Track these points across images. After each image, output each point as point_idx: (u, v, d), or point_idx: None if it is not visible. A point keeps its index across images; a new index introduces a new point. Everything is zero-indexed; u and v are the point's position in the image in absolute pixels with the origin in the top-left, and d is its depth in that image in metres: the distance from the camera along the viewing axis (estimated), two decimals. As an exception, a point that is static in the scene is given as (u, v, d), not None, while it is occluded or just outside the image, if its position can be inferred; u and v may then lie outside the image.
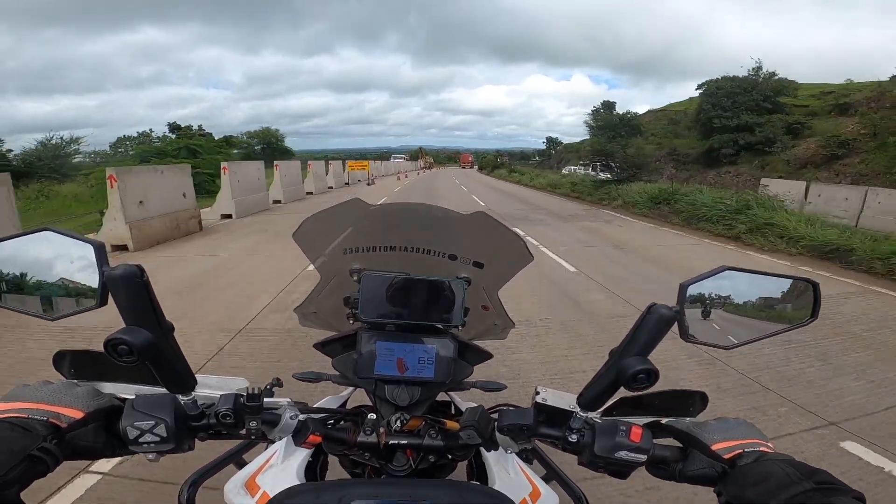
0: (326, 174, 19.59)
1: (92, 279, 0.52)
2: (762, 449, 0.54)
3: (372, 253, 0.81)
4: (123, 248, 7.02)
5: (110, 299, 0.52)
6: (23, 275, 0.54)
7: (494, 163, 57.65)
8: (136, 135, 42.76)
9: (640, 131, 40.57)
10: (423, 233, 0.81)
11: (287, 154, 47.41)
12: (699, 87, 29.65)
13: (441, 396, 0.86)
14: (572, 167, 31.28)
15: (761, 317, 0.61)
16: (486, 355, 0.81)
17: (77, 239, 0.53)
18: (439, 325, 0.75)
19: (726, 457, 0.54)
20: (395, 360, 0.73)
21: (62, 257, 0.53)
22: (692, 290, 0.57)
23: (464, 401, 0.91)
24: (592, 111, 49.68)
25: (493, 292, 0.87)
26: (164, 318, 0.54)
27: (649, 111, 45.62)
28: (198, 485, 0.72)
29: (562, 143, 70.20)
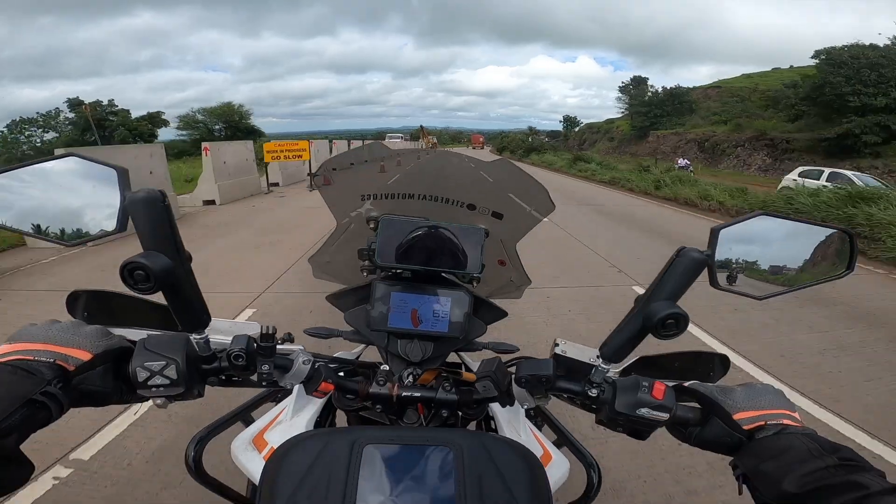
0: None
1: (113, 203, 0.51)
2: (785, 421, 0.52)
3: (390, 199, 0.80)
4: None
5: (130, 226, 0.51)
6: (45, 198, 0.54)
7: (528, 144, 46.54)
8: (37, 116, 37.91)
9: (692, 109, 36.14)
10: (443, 180, 0.80)
11: (254, 136, 36.72)
12: (816, 54, 22.41)
13: (452, 358, 0.85)
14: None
15: (794, 265, 0.58)
16: (501, 313, 0.79)
17: (102, 164, 0.52)
18: (455, 276, 0.74)
19: (747, 427, 0.52)
20: (409, 312, 0.71)
21: (85, 183, 0.53)
22: (725, 234, 0.55)
23: (475, 362, 0.90)
24: (621, 87, 45.31)
25: (511, 245, 0.85)
26: (183, 247, 0.52)
27: (694, 88, 41.57)
28: (205, 442, 0.71)
29: (580, 122, 64.78)
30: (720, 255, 0.55)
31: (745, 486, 0.51)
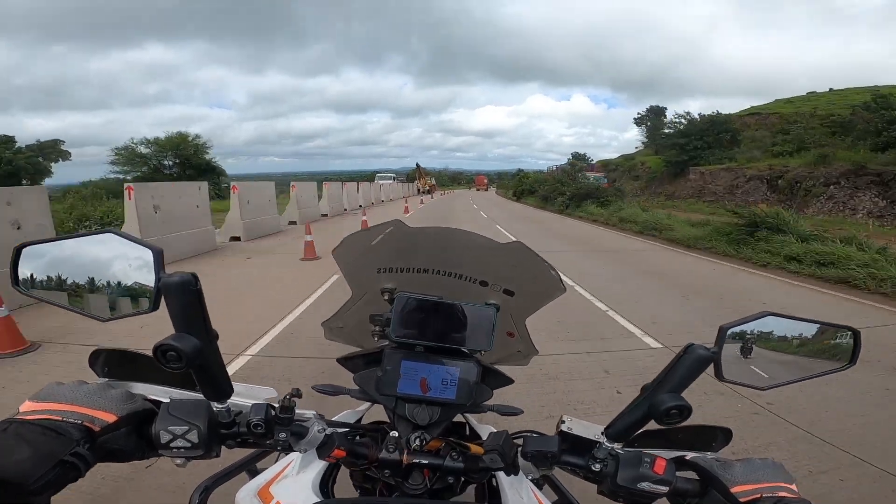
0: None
1: (147, 283, 0.53)
2: (782, 494, 0.54)
3: (405, 273, 0.82)
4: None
5: (162, 305, 0.53)
6: (80, 272, 0.56)
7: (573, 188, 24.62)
8: None
9: (737, 140, 29.18)
10: (456, 257, 0.82)
11: (210, 174, 31.09)
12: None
13: (457, 417, 0.87)
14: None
15: (799, 359, 0.61)
16: (507, 380, 0.82)
17: (137, 243, 0.54)
18: (466, 350, 0.76)
19: (743, 500, 0.54)
20: (419, 380, 0.73)
21: (121, 260, 0.55)
22: (732, 332, 0.57)
23: (479, 423, 0.92)
24: (637, 119, 41.25)
25: (521, 320, 0.88)
26: (211, 327, 0.55)
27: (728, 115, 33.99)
28: (209, 491, 0.73)
29: (590, 160, 54.68)
30: (727, 350, 0.57)
31: None
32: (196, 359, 0.52)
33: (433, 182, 59.14)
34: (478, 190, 70.95)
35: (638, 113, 43.09)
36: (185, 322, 0.52)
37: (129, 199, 7.30)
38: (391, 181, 38.74)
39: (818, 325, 0.60)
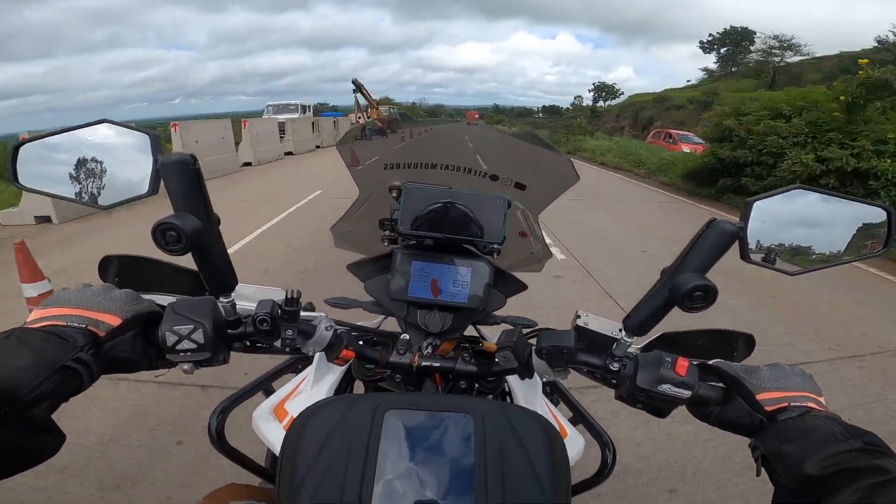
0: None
1: (145, 167, 0.52)
2: (810, 404, 0.51)
3: (413, 169, 0.80)
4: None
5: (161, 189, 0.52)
6: (78, 164, 0.54)
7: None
8: None
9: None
10: (465, 151, 0.80)
11: None
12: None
13: (469, 331, 0.85)
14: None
15: (829, 241, 0.57)
16: (521, 286, 0.79)
17: (133, 129, 0.53)
18: (476, 246, 0.73)
19: (769, 409, 0.51)
20: (430, 282, 0.71)
21: (118, 147, 0.54)
22: (758, 206, 0.53)
23: (492, 336, 0.90)
24: (706, 44, 34.81)
25: (534, 217, 0.85)
26: (212, 209, 0.53)
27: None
28: (227, 412, 0.72)
29: (620, 92, 43.36)
30: (753, 227, 0.54)
31: (763, 469, 0.50)
32: (197, 240, 0.50)
33: (393, 115, 22.88)
34: (468, 124, 74.70)
35: (710, 35, 36.33)
36: (184, 202, 0.51)
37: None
38: (296, 114, 21.42)
39: (851, 202, 0.56)
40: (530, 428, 0.50)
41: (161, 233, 0.48)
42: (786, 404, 0.51)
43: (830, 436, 0.45)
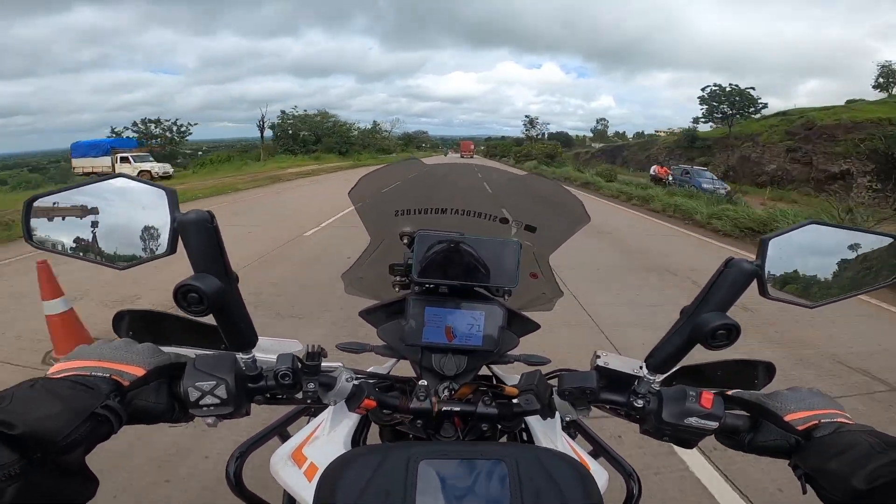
0: None
1: (163, 226, 0.52)
2: (840, 420, 0.51)
3: (423, 215, 0.80)
4: None
5: (180, 247, 0.51)
6: (94, 222, 0.54)
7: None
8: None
9: None
10: (475, 195, 0.80)
11: None
12: None
13: (483, 371, 0.85)
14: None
15: (845, 273, 0.58)
16: (534, 326, 0.79)
17: (149, 185, 0.53)
18: (491, 289, 0.73)
19: (801, 427, 0.51)
20: (444, 327, 0.71)
21: (134, 204, 0.53)
22: (774, 243, 0.54)
23: (506, 375, 0.90)
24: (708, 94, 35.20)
25: (544, 258, 0.85)
26: (231, 268, 0.53)
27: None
28: (245, 457, 0.72)
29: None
30: (770, 264, 0.54)
31: (808, 486, 0.50)
32: (218, 300, 0.50)
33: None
34: (462, 156, 62.39)
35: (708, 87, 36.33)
36: (204, 262, 0.50)
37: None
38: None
39: (863, 233, 0.57)
40: (564, 472, 0.50)
41: (182, 295, 0.48)
42: (816, 422, 0.51)
43: (871, 448, 0.45)
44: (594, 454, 0.81)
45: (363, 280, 0.91)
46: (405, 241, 0.74)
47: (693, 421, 0.54)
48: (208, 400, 0.51)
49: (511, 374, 0.88)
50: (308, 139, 44.04)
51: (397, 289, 0.80)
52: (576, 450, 0.78)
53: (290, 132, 44.55)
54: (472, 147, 74.11)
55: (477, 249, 0.71)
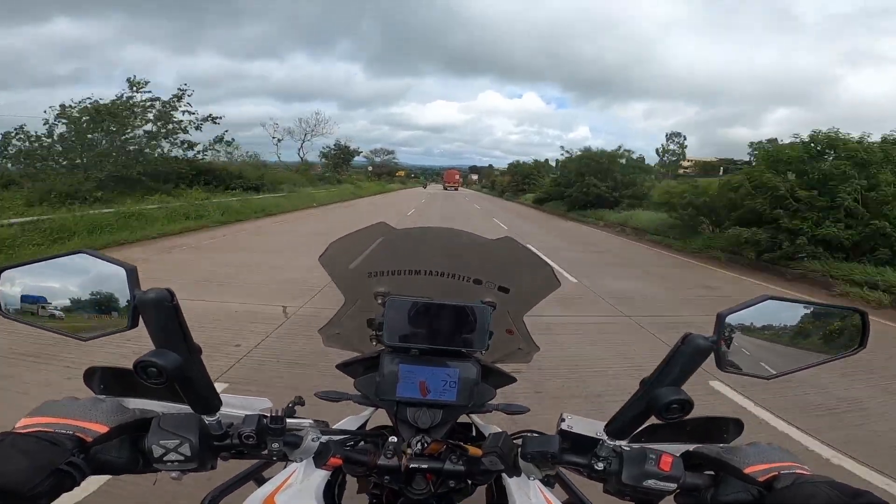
0: None
1: (124, 301, 0.53)
2: (798, 472, 0.52)
3: (396, 276, 0.81)
4: None
5: (140, 322, 0.53)
6: (58, 294, 0.55)
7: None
8: None
9: None
10: (448, 257, 0.81)
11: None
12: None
13: (462, 418, 0.85)
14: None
15: (804, 346, 0.58)
16: (510, 379, 0.80)
17: (110, 262, 0.54)
18: (463, 350, 0.74)
19: (761, 479, 0.52)
20: (418, 383, 0.72)
21: (96, 280, 0.55)
22: (731, 319, 0.54)
23: (485, 423, 0.90)
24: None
25: (519, 317, 0.86)
26: (192, 341, 0.54)
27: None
28: (216, 501, 0.73)
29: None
30: (726, 339, 0.55)
31: None
32: (177, 374, 0.52)
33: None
34: (446, 188, 55.59)
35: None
36: (162, 338, 0.52)
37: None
38: None
39: (822, 307, 0.57)
40: None
41: (142, 369, 0.50)
42: (776, 474, 0.51)
43: (829, 500, 0.45)
44: (569, 503, 0.81)
45: (340, 335, 0.92)
46: (379, 300, 0.75)
47: (652, 483, 0.55)
48: (172, 457, 0.52)
49: (489, 422, 0.89)
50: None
51: (374, 342, 0.81)
52: (549, 501, 0.78)
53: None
54: (458, 178, 65.52)
55: (447, 314, 0.71)
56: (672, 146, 47.15)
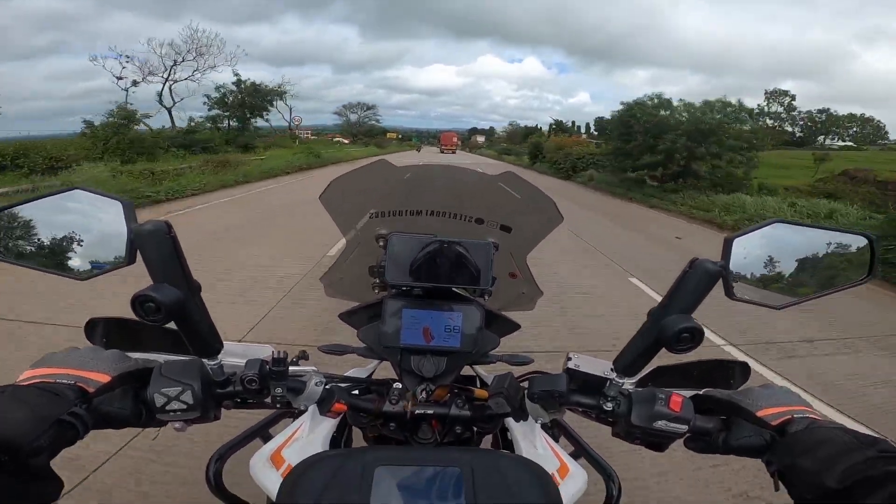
0: None
1: (120, 237, 0.52)
2: (812, 416, 0.51)
3: (398, 217, 0.79)
4: None
5: (139, 257, 0.52)
6: (52, 234, 0.54)
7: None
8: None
9: None
10: (449, 196, 0.79)
11: None
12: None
13: (466, 371, 0.84)
14: None
15: (812, 273, 0.57)
16: (514, 326, 0.79)
17: (106, 196, 0.53)
18: (467, 290, 0.73)
19: (774, 423, 0.51)
20: (421, 329, 0.71)
21: (91, 216, 0.53)
22: (739, 243, 0.53)
23: (489, 375, 0.90)
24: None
25: (522, 258, 0.85)
26: (192, 277, 0.53)
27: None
28: (224, 459, 0.72)
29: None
30: (735, 264, 0.54)
31: (780, 483, 0.49)
32: (176, 310, 0.50)
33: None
34: (443, 151, 52.85)
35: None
36: (162, 272, 0.51)
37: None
38: None
39: (831, 232, 0.56)
40: (521, 477, 0.51)
41: (140, 304, 0.48)
42: (789, 417, 0.51)
43: (844, 446, 0.44)
44: (575, 455, 0.81)
45: (342, 281, 0.90)
46: (381, 243, 0.73)
47: (662, 424, 0.54)
48: (174, 405, 0.51)
49: (493, 374, 0.88)
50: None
51: (376, 290, 0.79)
52: (556, 451, 0.77)
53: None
54: (456, 140, 62.55)
55: (451, 251, 0.70)
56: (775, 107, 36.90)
